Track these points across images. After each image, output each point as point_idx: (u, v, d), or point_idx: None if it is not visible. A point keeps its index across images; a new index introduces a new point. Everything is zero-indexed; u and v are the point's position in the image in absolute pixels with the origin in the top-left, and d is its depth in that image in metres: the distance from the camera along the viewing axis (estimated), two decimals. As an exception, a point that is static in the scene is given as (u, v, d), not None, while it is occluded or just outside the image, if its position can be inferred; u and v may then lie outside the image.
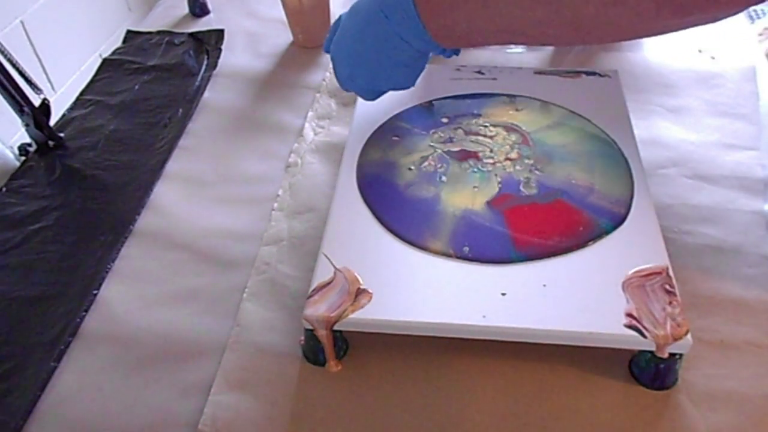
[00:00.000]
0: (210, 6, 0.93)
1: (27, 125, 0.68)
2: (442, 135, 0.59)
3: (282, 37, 0.86)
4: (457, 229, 0.51)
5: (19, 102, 0.66)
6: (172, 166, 0.68)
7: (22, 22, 1.30)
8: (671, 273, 0.46)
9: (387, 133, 0.60)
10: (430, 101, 0.64)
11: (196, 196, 0.64)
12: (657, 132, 0.67)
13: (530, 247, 0.49)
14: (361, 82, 0.55)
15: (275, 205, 0.62)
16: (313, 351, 0.48)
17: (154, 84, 0.79)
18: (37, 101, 0.68)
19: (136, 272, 0.57)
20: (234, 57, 0.83)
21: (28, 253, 0.59)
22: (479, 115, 0.61)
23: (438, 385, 0.47)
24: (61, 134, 0.71)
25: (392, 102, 0.63)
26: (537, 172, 0.55)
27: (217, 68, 0.81)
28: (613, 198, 0.52)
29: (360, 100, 0.65)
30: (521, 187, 0.54)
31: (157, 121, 0.73)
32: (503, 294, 0.46)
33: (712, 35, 0.79)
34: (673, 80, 0.74)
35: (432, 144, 0.59)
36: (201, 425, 0.45)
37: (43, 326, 0.52)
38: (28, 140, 0.70)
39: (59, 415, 0.47)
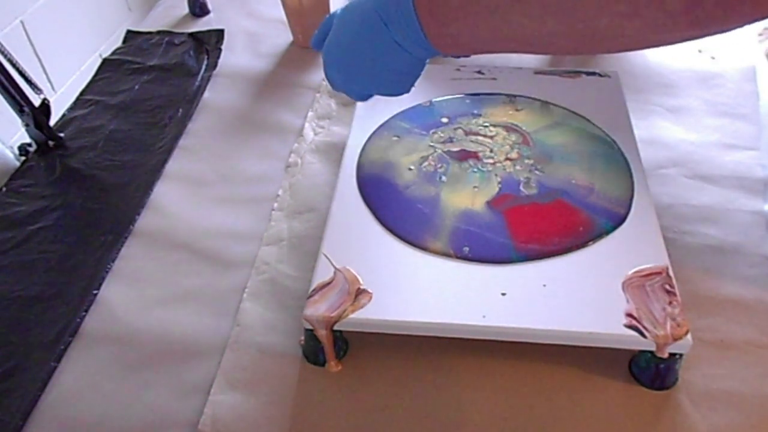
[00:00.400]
0: (210, 6, 0.93)
1: (27, 125, 0.68)
2: (442, 135, 0.59)
3: (282, 37, 0.86)
4: (457, 229, 0.51)
5: (19, 102, 0.66)
6: (172, 166, 0.68)
7: (22, 22, 1.30)
8: (671, 273, 0.46)
9: (387, 133, 0.60)
10: (430, 101, 0.64)
11: (196, 196, 0.64)
12: (657, 132, 0.67)
13: (530, 247, 0.49)
14: (354, 87, 0.53)
15: (275, 205, 0.62)
16: (313, 351, 0.48)
17: (154, 84, 0.79)
18: (37, 101, 0.68)
19: (136, 272, 0.57)
20: (234, 57, 0.83)
21: (28, 253, 0.59)
22: (479, 115, 0.61)
23: (438, 385, 0.47)
24: (61, 134, 0.71)
25: (392, 102, 0.63)
26: (537, 172, 0.55)
27: (217, 68, 0.81)
28: (613, 198, 0.52)
29: (360, 100, 0.65)
30: (521, 187, 0.54)
31: (157, 121, 0.73)
32: (503, 294, 0.46)
33: (712, 35, 0.79)
34: (673, 80, 0.74)
35: (432, 144, 0.59)
36: (201, 425, 0.45)
37: (43, 326, 0.52)
38: (28, 140, 0.70)
39: (59, 415, 0.47)
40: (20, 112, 0.67)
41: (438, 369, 0.48)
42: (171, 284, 0.56)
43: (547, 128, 0.60)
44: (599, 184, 0.54)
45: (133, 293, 0.55)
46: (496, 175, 0.55)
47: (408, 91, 0.53)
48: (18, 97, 0.66)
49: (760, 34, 0.79)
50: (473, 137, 0.59)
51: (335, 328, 0.46)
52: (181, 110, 0.74)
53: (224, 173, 0.66)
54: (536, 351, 0.47)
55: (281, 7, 0.82)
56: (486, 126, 0.60)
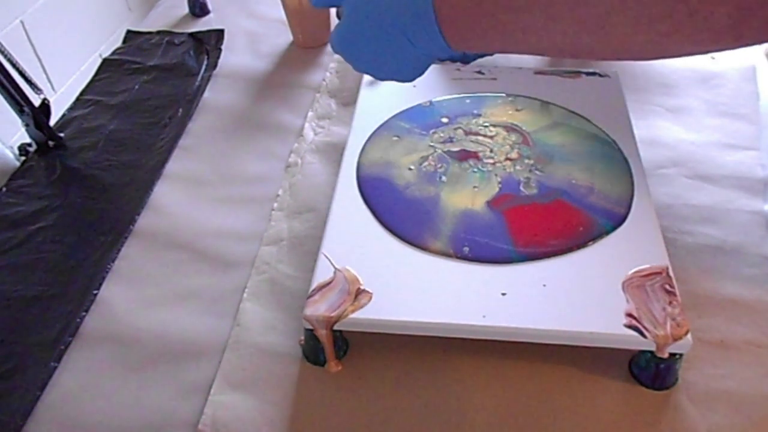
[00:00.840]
0: (210, 6, 0.93)
1: (27, 125, 0.68)
2: (442, 135, 0.60)
3: (282, 37, 0.86)
4: (457, 229, 0.50)
5: (19, 102, 0.66)
6: (172, 166, 0.68)
7: (22, 22, 1.30)
8: (671, 273, 0.46)
9: (387, 133, 0.60)
10: (430, 101, 0.64)
11: (196, 196, 0.64)
12: (657, 132, 0.67)
13: (530, 247, 0.49)
14: (360, 68, 0.50)
15: (275, 205, 0.62)
16: (313, 351, 0.48)
17: (154, 84, 0.79)
18: (37, 101, 0.68)
19: (136, 272, 0.57)
20: (234, 57, 0.83)
21: (28, 253, 0.59)
22: (479, 115, 0.61)
23: (438, 385, 0.47)
24: (61, 134, 0.71)
25: (392, 102, 0.63)
26: (537, 172, 0.55)
27: (217, 68, 0.81)
28: (613, 198, 0.52)
29: (360, 100, 0.65)
30: (521, 187, 0.54)
31: (157, 121, 0.73)
32: (503, 294, 0.46)
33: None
34: (673, 80, 0.74)
35: (432, 144, 0.59)
36: (201, 425, 0.45)
37: (43, 326, 0.52)
38: (28, 140, 0.70)
39: (59, 415, 0.47)
40: (20, 112, 0.67)
41: (438, 369, 0.48)
42: (171, 284, 0.56)
43: (547, 128, 0.60)
44: (599, 184, 0.54)
45: (133, 293, 0.55)
46: (496, 175, 0.55)
47: (414, 78, 0.50)
48: (18, 97, 0.66)
49: (760, 34, 0.79)
50: (473, 137, 0.59)
51: (335, 328, 0.46)
52: (181, 110, 0.74)
53: (224, 173, 0.66)
54: (536, 351, 0.47)
55: (281, 7, 0.82)
56: (486, 126, 0.60)
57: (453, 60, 0.63)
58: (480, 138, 0.59)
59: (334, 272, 0.48)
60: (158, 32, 0.88)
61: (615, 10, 0.37)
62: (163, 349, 0.51)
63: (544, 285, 0.46)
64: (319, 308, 0.46)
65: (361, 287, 0.47)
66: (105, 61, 0.83)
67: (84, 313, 0.53)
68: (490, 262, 0.48)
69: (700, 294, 0.51)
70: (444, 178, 0.55)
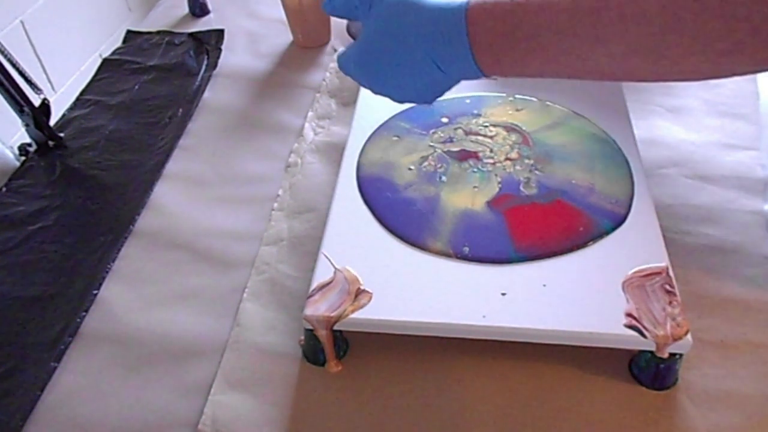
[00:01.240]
0: (210, 6, 0.93)
1: (27, 125, 0.68)
2: (442, 135, 0.59)
3: (282, 37, 0.86)
4: (457, 229, 0.50)
5: (19, 102, 0.66)
6: (172, 166, 0.68)
7: (22, 22, 1.30)
8: (671, 273, 0.46)
9: (387, 133, 0.60)
10: (430, 101, 0.64)
11: (196, 196, 0.64)
12: (657, 132, 0.67)
13: (530, 247, 0.49)
14: (375, 89, 0.49)
15: (275, 205, 0.62)
16: (313, 351, 0.48)
17: (154, 84, 0.79)
18: (37, 101, 0.68)
19: (136, 272, 0.57)
20: (234, 57, 0.83)
21: (28, 253, 0.59)
22: (479, 115, 0.61)
23: (438, 385, 0.47)
24: (61, 134, 0.71)
25: (392, 102, 0.63)
26: (537, 172, 0.55)
27: (217, 68, 0.81)
28: (613, 198, 0.52)
29: (360, 100, 0.65)
30: (521, 187, 0.54)
31: (157, 121, 0.73)
32: (503, 294, 0.46)
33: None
34: (673, 80, 0.74)
35: (432, 144, 0.59)
36: (201, 425, 0.45)
37: (43, 326, 0.52)
38: (28, 140, 0.70)
39: (59, 415, 0.47)
40: (20, 112, 0.67)
41: (438, 369, 0.48)
42: (171, 284, 0.56)
43: (547, 128, 0.60)
44: (599, 184, 0.54)
45: (133, 293, 0.55)
46: (496, 175, 0.55)
47: (434, 100, 0.48)
48: (18, 97, 0.66)
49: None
50: (473, 137, 0.59)
51: (335, 328, 0.46)
52: (181, 110, 0.74)
53: (224, 173, 0.67)
54: (536, 351, 0.47)
55: (281, 7, 0.82)
56: (486, 126, 0.60)
57: None
58: (480, 138, 0.59)
59: (334, 272, 0.48)
60: (158, 32, 0.88)
61: (669, 29, 0.34)
62: (163, 349, 0.51)
63: (544, 285, 0.46)
64: (319, 308, 0.46)
65: (361, 287, 0.47)
66: (105, 61, 0.83)
67: (84, 313, 0.53)
68: (490, 262, 0.48)
69: (700, 294, 0.51)
70: (444, 178, 0.55)
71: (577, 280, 0.46)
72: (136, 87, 0.78)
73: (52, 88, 1.39)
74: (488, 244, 0.49)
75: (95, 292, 0.55)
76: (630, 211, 0.51)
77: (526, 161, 0.56)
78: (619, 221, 0.51)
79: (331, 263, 0.48)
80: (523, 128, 0.60)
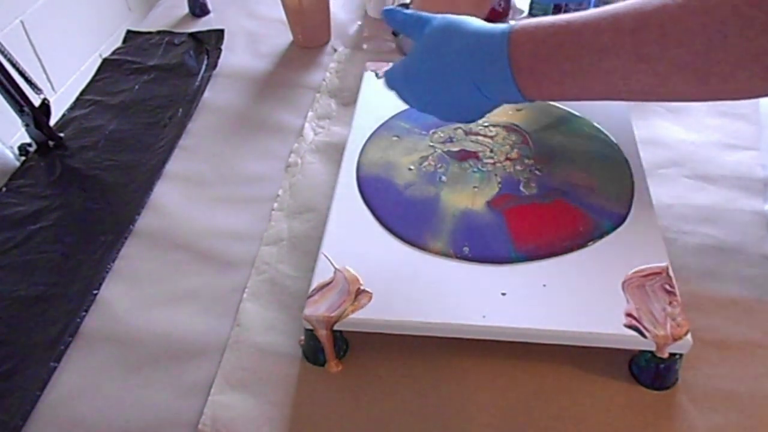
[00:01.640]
0: (210, 6, 0.93)
1: (27, 125, 0.68)
2: (441, 135, 0.59)
3: (282, 37, 0.86)
4: (457, 229, 0.50)
5: (19, 102, 0.66)
6: (172, 166, 0.68)
7: (22, 22, 1.30)
8: (671, 273, 0.46)
9: (387, 133, 0.60)
10: (430, 101, 0.64)
11: (196, 196, 0.64)
12: (657, 132, 0.67)
13: (530, 247, 0.49)
14: (419, 108, 0.51)
15: (275, 205, 0.62)
16: (313, 351, 0.48)
17: (154, 84, 0.79)
18: (37, 101, 0.68)
19: (136, 272, 0.57)
20: (234, 57, 0.83)
21: (28, 253, 0.59)
22: (479, 115, 0.61)
23: (438, 385, 0.47)
24: (61, 134, 0.71)
25: (392, 102, 0.63)
26: (537, 172, 0.55)
27: (217, 68, 0.81)
28: (613, 198, 0.52)
29: (360, 100, 0.65)
30: (521, 187, 0.54)
31: (157, 121, 0.73)
32: (503, 294, 0.46)
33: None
34: (673, 80, 0.74)
35: (432, 144, 0.59)
36: (201, 425, 0.45)
37: (43, 326, 0.52)
38: (28, 140, 0.70)
39: (59, 415, 0.47)
40: (20, 112, 0.67)
41: (438, 369, 0.48)
42: (171, 284, 0.56)
43: (547, 128, 0.60)
44: (599, 184, 0.54)
45: (133, 293, 0.55)
46: (496, 175, 0.55)
47: (475, 120, 0.50)
48: (18, 97, 0.66)
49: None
50: (473, 137, 0.59)
51: (335, 328, 0.46)
52: (181, 110, 0.74)
53: (224, 173, 0.67)
54: (536, 351, 0.47)
55: (281, 7, 0.82)
56: (486, 126, 0.60)
57: None
58: (480, 138, 0.59)
59: (334, 272, 0.48)
60: (158, 32, 0.88)
61: (715, 47, 0.34)
62: (163, 349, 0.51)
63: (544, 285, 0.46)
64: (319, 308, 0.46)
65: (361, 287, 0.47)
66: (105, 61, 0.83)
67: (84, 313, 0.53)
68: (490, 262, 0.48)
69: (700, 294, 0.51)
70: (444, 178, 0.55)
71: (577, 280, 0.46)
72: (136, 87, 0.78)
73: (52, 88, 1.40)
74: (488, 244, 0.49)
75: (95, 292, 0.55)
76: (630, 211, 0.51)
77: (526, 161, 0.56)
78: (619, 221, 0.51)
79: (331, 263, 0.48)
80: (523, 128, 0.60)
